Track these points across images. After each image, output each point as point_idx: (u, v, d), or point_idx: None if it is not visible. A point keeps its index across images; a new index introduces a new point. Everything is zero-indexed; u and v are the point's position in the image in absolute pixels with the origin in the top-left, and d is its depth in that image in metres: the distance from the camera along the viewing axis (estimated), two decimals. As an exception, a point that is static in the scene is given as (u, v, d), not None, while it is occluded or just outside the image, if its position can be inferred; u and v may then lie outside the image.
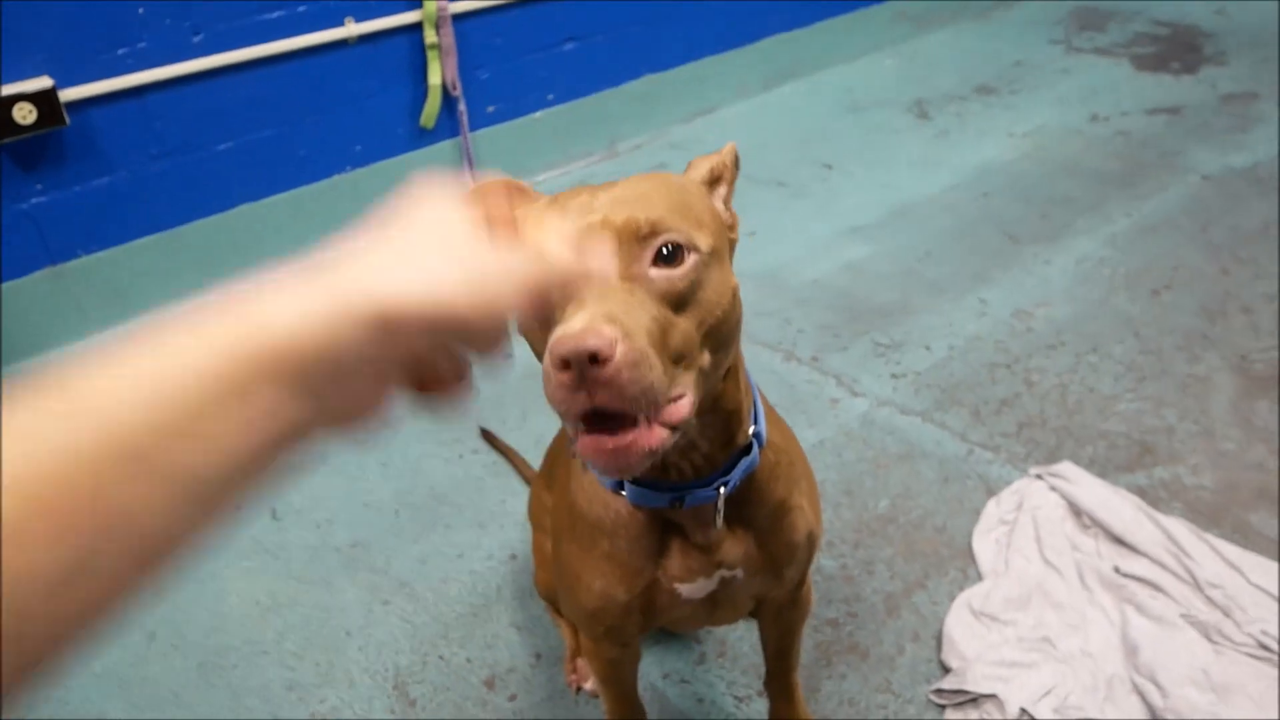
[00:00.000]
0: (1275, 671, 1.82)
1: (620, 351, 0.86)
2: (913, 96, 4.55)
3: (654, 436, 0.92)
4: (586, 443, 0.92)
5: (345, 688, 1.98)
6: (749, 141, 4.00)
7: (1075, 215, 3.42)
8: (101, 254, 3.16)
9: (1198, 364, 2.64)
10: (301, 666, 2.03)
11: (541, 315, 0.94)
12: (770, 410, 1.35)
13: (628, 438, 0.91)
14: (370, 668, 2.02)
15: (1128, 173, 3.68)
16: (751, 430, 1.22)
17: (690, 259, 0.98)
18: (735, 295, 1.05)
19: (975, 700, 1.83)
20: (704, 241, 1.00)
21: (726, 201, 1.14)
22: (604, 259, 0.94)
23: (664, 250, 0.96)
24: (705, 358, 1.01)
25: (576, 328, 0.86)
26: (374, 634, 2.09)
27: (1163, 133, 3.97)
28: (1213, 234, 3.23)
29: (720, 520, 1.23)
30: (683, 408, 0.95)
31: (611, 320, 0.88)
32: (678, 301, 0.97)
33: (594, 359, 0.85)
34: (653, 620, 1.37)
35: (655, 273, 0.96)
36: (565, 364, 0.86)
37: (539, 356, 0.98)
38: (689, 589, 1.30)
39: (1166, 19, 5.21)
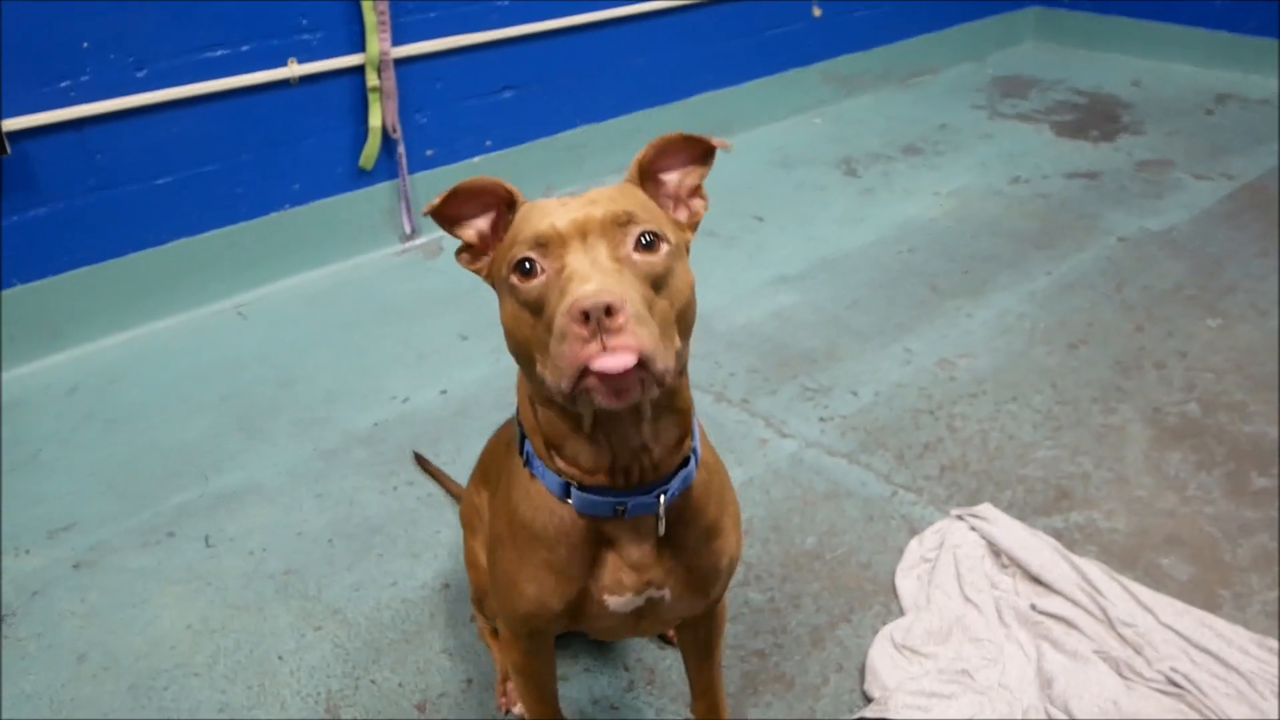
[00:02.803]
0: (1183, 707, 1.89)
1: (628, 307, 1.02)
2: (841, 155, 4.68)
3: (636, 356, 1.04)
4: (590, 382, 1.05)
5: (277, 710, 1.98)
6: (683, 193, 4.07)
7: (996, 271, 3.54)
8: (35, 284, 3.15)
9: (1112, 415, 2.74)
10: (233, 689, 2.03)
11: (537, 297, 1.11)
12: (703, 433, 1.43)
13: (620, 361, 1.03)
14: (302, 691, 2.02)
15: (1047, 233, 3.82)
16: (690, 444, 1.30)
17: (664, 247, 1.13)
18: (693, 288, 1.19)
19: (897, 728, 1.88)
20: (672, 236, 1.17)
21: (698, 192, 1.35)
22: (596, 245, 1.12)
23: (643, 239, 1.12)
24: (677, 341, 1.14)
25: (591, 289, 1.02)
26: (306, 658, 2.10)
27: (1081, 196, 4.13)
28: (1127, 293, 3.36)
29: (663, 527, 1.29)
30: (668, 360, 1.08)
31: (618, 286, 1.04)
32: (656, 284, 1.12)
33: (608, 311, 1.01)
34: (577, 624, 1.44)
35: (638, 257, 1.12)
36: (585, 316, 1.01)
37: (523, 349, 1.15)
38: (618, 603, 1.36)
39: (1086, 89, 5.41)
